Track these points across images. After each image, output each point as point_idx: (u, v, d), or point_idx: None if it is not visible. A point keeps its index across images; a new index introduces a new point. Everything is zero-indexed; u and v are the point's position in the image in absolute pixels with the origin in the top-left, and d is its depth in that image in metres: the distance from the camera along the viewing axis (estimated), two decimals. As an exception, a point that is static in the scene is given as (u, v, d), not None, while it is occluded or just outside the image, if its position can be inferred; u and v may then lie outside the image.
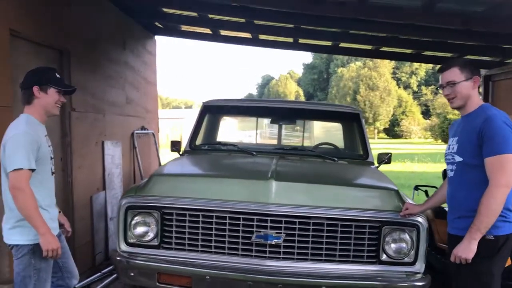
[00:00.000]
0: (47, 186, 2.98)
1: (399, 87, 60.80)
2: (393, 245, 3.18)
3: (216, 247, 3.19)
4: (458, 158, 2.89)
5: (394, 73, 62.94)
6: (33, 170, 2.78)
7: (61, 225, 3.22)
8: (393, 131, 58.12)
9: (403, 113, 57.63)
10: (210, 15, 6.44)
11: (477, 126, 2.74)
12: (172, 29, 7.86)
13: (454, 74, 2.87)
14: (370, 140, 5.15)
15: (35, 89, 2.92)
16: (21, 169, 2.71)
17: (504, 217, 2.72)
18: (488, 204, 2.66)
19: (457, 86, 2.86)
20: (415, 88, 63.31)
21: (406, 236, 3.18)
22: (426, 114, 58.57)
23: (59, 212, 3.24)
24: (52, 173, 3.05)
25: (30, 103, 2.94)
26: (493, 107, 2.87)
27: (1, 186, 2.95)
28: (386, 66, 56.68)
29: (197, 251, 3.22)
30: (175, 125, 37.49)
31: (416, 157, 21.92)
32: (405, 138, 54.26)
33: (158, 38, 8.01)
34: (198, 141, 4.96)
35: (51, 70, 3.11)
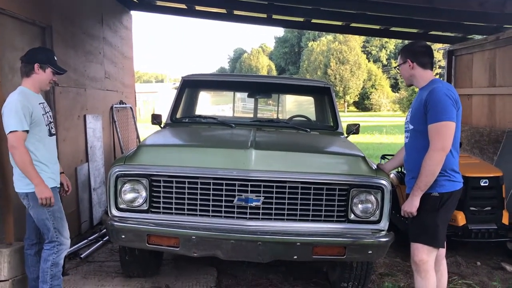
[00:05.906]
0: (46, 144, 3.40)
1: (369, 60, 61.52)
2: (360, 206, 3.50)
3: (201, 210, 3.46)
4: (410, 126, 3.29)
5: (364, 46, 63.52)
6: (27, 132, 3.21)
7: (61, 185, 3.64)
8: (362, 104, 59.07)
9: (372, 86, 58.51)
10: (186, -9, 6.58)
11: (424, 97, 3.12)
12: (148, 4, 7.89)
13: (398, 59, 3.40)
14: (341, 113, 5.49)
15: (36, 66, 3.33)
16: (16, 131, 3.16)
17: (448, 177, 3.13)
18: (426, 165, 3.05)
19: (400, 69, 3.37)
20: (385, 62, 64.15)
21: (372, 197, 3.50)
22: (395, 87, 59.67)
23: (62, 172, 3.67)
24: (52, 134, 3.47)
25: (28, 76, 3.35)
26: (440, 81, 3.22)
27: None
28: (356, 40, 57.10)
29: (184, 214, 3.48)
30: (147, 99, 37.11)
31: (385, 129, 22.58)
32: (375, 111, 55.32)
33: (132, 13, 8.05)
34: (178, 115, 5.19)
35: (50, 52, 3.54)
